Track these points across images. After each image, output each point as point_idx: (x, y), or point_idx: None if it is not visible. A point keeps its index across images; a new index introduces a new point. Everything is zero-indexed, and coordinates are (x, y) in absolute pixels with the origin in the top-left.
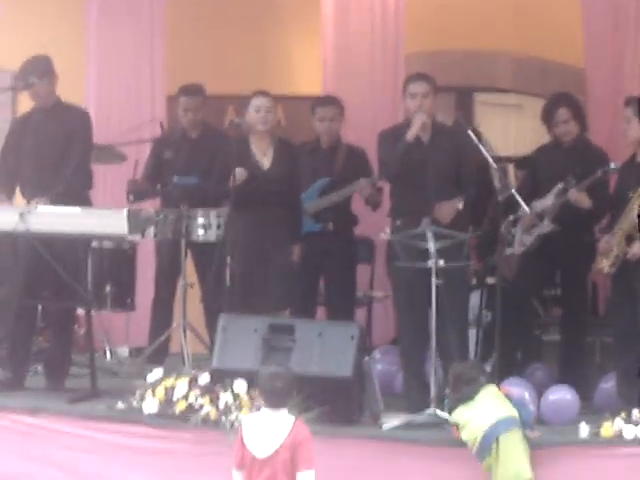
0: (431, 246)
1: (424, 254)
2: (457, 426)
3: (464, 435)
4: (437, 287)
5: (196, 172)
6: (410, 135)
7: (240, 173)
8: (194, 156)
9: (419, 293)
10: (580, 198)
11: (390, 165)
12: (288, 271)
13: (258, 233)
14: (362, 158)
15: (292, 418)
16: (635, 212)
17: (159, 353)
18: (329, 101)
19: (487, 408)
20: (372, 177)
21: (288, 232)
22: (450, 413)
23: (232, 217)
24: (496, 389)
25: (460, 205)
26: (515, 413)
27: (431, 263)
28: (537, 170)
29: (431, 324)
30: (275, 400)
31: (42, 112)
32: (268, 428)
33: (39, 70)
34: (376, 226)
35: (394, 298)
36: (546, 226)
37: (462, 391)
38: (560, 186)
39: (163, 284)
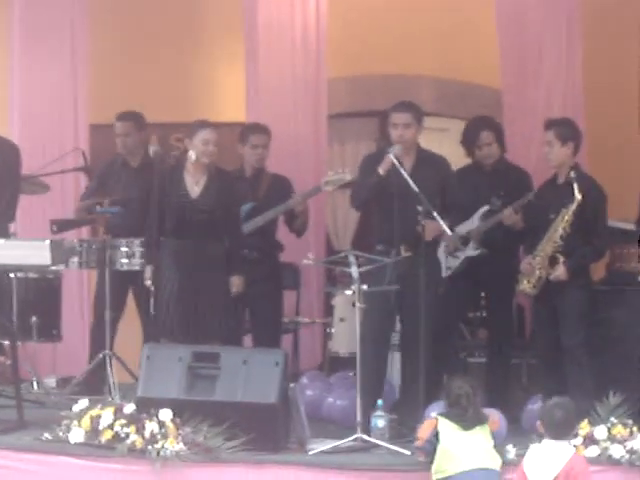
0: (354, 270)
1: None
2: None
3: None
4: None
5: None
6: (381, 170)
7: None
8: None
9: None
10: (515, 219)
11: (357, 194)
12: (221, 302)
13: (189, 263)
14: (286, 186)
15: (572, 449)
16: (559, 234)
17: (94, 382)
18: (261, 129)
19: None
20: (308, 191)
21: (222, 262)
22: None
23: (162, 246)
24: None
25: (446, 229)
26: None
27: (354, 288)
28: None
29: (356, 345)
30: (555, 430)
31: None
32: (548, 458)
33: None
34: (301, 252)
35: None
36: (473, 249)
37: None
38: (485, 208)
39: (100, 313)
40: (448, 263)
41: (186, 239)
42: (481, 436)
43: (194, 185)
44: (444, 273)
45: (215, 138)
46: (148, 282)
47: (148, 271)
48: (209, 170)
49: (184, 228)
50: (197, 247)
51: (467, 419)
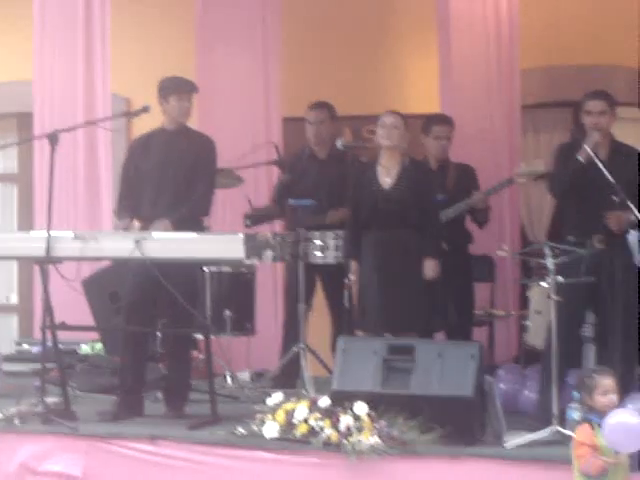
0: (550, 262)
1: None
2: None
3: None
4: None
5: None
6: (582, 156)
7: None
8: (321, 178)
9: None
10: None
11: (559, 182)
12: (416, 293)
13: (382, 255)
14: (471, 175)
15: None
16: None
17: (288, 376)
18: (445, 120)
19: None
20: (489, 190)
21: (415, 252)
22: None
23: (357, 238)
24: None
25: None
26: None
27: (550, 280)
28: None
29: (551, 337)
30: None
31: (166, 134)
32: None
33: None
34: (495, 243)
35: None
36: None
37: None
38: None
39: (292, 307)
40: None
41: (380, 230)
42: None
43: (386, 176)
44: None
45: (391, 121)
46: (352, 277)
47: (352, 266)
48: (402, 161)
49: (378, 219)
50: (390, 238)
51: None
